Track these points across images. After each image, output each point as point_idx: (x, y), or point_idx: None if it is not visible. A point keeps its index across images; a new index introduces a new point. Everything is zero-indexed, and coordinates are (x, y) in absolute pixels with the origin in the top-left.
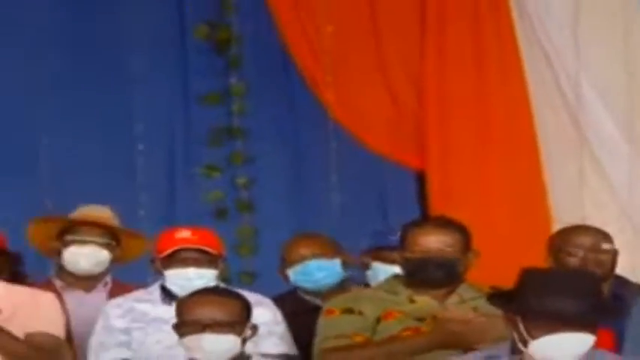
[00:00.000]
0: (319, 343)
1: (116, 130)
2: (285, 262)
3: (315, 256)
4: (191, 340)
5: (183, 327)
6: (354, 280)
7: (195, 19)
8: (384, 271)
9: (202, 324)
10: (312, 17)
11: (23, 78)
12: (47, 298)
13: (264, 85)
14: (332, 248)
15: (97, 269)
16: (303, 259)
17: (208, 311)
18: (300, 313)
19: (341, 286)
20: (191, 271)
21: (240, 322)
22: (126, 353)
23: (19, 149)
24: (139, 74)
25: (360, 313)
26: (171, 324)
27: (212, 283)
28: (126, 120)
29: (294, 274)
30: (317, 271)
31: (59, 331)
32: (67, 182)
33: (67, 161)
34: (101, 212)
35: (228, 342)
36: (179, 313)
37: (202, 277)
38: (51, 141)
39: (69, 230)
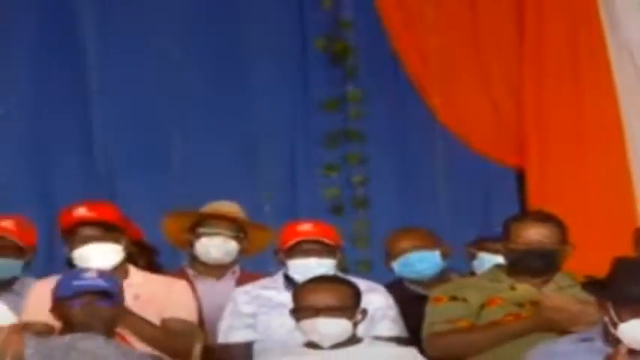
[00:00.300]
0: (427, 327)
1: (243, 133)
2: (389, 255)
3: (415, 248)
4: (306, 323)
5: (300, 312)
6: (452, 269)
7: (315, 33)
8: (488, 260)
9: (316, 309)
10: (421, 30)
11: (162, 82)
12: (181, 285)
13: (378, 92)
14: (431, 240)
15: (227, 259)
16: (404, 251)
17: (322, 297)
18: (405, 301)
19: (441, 276)
20: (312, 261)
21: (351, 307)
22: (252, 335)
23: (155, 149)
24: (264, 82)
25: (465, 300)
26: (288, 306)
27: (331, 272)
28: (251, 123)
29: (397, 265)
30: (418, 262)
31: (192, 316)
32: (198, 180)
33: (199, 160)
34: (230, 207)
35: (341, 325)
36: (296, 299)
37: (322, 266)
38: (184, 141)
39: (200, 223)
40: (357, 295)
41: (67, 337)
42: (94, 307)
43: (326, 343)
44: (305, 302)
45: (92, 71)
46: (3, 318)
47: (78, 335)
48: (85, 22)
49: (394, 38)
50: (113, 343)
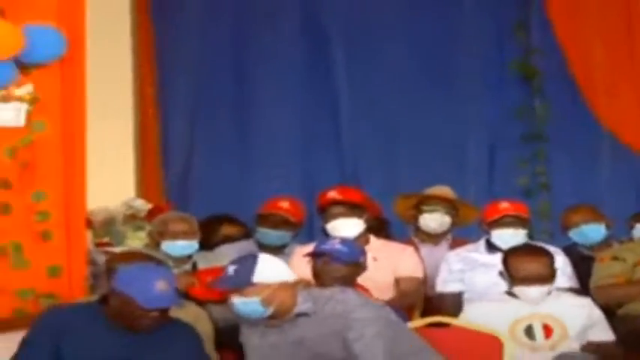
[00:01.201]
0: (594, 282)
1: (454, 133)
2: (565, 226)
3: (585, 221)
4: (521, 289)
5: (515, 279)
6: (614, 237)
7: (510, 57)
8: None
9: (529, 278)
10: (588, 46)
11: (394, 95)
12: (410, 250)
13: (558, 104)
14: (597, 215)
15: (442, 229)
16: (577, 223)
17: (535, 267)
18: (577, 261)
19: (605, 242)
20: (511, 231)
21: (553, 273)
22: (461, 287)
23: (388, 147)
24: (471, 94)
25: (624, 260)
26: (491, 268)
27: (523, 241)
28: (461, 126)
29: (572, 234)
30: (588, 232)
31: (418, 273)
32: (420, 169)
33: (421, 154)
34: (445, 190)
35: (544, 289)
36: (510, 264)
37: (517, 235)
38: (409, 140)
39: (423, 202)
40: (554, 261)
41: (328, 291)
42: (328, 266)
43: (531, 302)
44: (520, 271)
45: (343, 93)
46: (286, 274)
47: (336, 289)
48: (338, 58)
49: (569, 58)
50: (358, 294)
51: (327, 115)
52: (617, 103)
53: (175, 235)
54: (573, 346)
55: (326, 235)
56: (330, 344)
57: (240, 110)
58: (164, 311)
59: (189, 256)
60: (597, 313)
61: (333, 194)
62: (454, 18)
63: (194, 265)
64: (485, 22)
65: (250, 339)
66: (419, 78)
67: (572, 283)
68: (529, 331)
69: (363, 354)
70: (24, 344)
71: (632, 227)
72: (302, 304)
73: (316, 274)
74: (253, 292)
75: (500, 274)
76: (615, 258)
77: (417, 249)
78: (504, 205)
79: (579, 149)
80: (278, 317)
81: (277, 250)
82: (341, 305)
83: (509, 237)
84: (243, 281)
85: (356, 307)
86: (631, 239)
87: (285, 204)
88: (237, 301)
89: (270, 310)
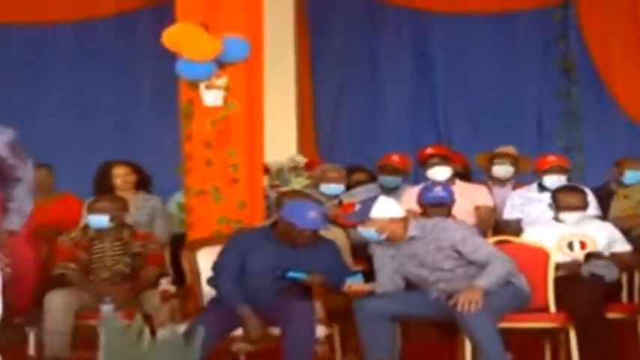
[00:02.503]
0: (611, 213)
1: (513, 108)
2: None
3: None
4: (564, 214)
5: (559, 208)
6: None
7: (555, 56)
8: None
9: (570, 206)
10: (608, 49)
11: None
12: (484, 188)
13: (588, 90)
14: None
15: (507, 176)
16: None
17: (573, 199)
18: (603, 196)
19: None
20: (556, 177)
21: (586, 204)
22: (520, 215)
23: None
24: (528, 83)
25: (631, 198)
26: (542, 202)
27: (564, 183)
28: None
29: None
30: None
31: (491, 204)
32: (494, 133)
33: (493, 122)
34: (510, 149)
35: (579, 214)
36: (557, 198)
37: (560, 180)
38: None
39: (494, 157)
40: (586, 197)
41: (432, 220)
42: (436, 208)
43: (570, 224)
44: (564, 202)
45: (439, 79)
46: (396, 211)
47: (438, 219)
48: (437, 56)
49: (595, 60)
50: (454, 221)
51: (428, 94)
52: (630, 90)
53: (330, 180)
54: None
55: (425, 178)
56: (434, 257)
57: (370, 91)
58: (315, 232)
59: (337, 195)
60: (616, 233)
61: (430, 150)
62: (515, 33)
63: (340, 201)
64: (537, 34)
65: (376, 250)
66: (494, 69)
67: (598, 212)
68: (570, 245)
69: (474, 250)
70: (221, 254)
71: (621, 173)
72: (413, 230)
73: (426, 212)
74: (370, 223)
75: (550, 205)
76: (626, 196)
77: (490, 189)
78: (551, 158)
79: (602, 123)
80: (392, 240)
81: (393, 190)
82: (444, 229)
83: (555, 180)
84: (364, 216)
85: (456, 229)
86: None
87: (395, 158)
88: (360, 229)
89: (383, 236)
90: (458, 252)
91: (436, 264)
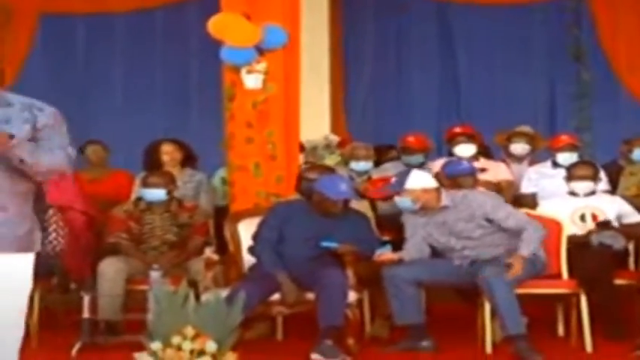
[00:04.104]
0: (619, 189)
1: (530, 91)
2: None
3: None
4: (572, 184)
5: (571, 178)
6: None
7: (568, 43)
8: None
9: (579, 177)
10: (615, 38)
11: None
12: (503, 165)
13: (598, 74)
14: None
15: (524, 153)
16: (630, 150)
17: (584, 170)
18: (613, 172)
19: None
20: (568, 154)
21: (596, 175)
22: (535, 190)
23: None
24: (544, 67)
25: (636, 174)
26: (555, 177)
27: (575, 159)
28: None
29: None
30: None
31: (510, 178)
32: (512, 113)
33: (511, 103)
34: (526, 128)
35: (590, 185)
36: (569, 173)
37: (572, 157)
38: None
39: (512, 136)
40: (597, 170)
41: (462, 192)
42: (464, 180)
43: (582, 195)
44: (576, 172)
45: (462, 66)
46: (429, 183)
47: (466, 191)
48: (459, 42)
49: (604, 47)
50: (480, 192)
51: (451, 77)
52: (637, 75)
53: (359, 158)
54: (615, 224)
55: (451, 155)
56: (464, 226)
57: (397, 75)
58: (346, 202)
59: (366, 171)
60: (626, 206)
61: (457, 129)
62: (532, 22)
63: (369, 177)
64: (551, 22)
65: (408, 219)
66: (511, 55)
67: (607, 187)
68: (582, 217)
69: (506, 217)
70: (262, 224)
71: (630, 151)
72: (444, 200)
73: (455, 183)
74: (406, 193)
75: (565, 178)
76: (632, 173)
77: (508, 165)
78: (564, 137)
79: (611, 106)
80: (426, 209)
81: (418, 167)
82: (473, 200)
83: (567, 157)
84: (400, 187)
85: (485, 199)
86: None
87: (411, 138)
88: (397, 199)
89: (417, 205)
90: (489, 220)
91: (464, 232)
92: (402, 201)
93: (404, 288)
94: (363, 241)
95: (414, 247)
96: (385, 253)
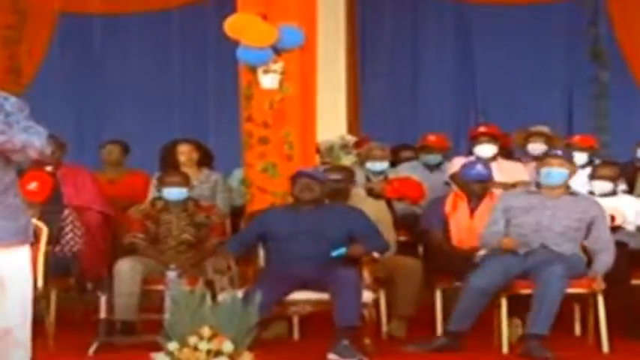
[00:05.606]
0: (636, 189)
1: (548, 91)
2: None
3: None
4: (597, 183)
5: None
6: None
7: (587, 43)
8: None
9: (600, 174)
10: (632, 39)
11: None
12: (520, 166)
13: (616, 73)
14: None
15: (538, 153)
16: None
17: (605, 170)
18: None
19: None
20: (583, 155)
21: (617, 176)
22: None
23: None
24: (563, 68)
25: None
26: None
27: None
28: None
29: None
30: None
31: (527, 178)
32: (530, 114)
33: (529, 104)
34: (543, 128)
35: (565, 175)
36: (592, 171)
37: (581, 159)
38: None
39: (530, 135)
40: (617, 170)
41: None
42: (476, 184)
43: (602, 193)
44: (598, 172)
45: (478, 63)
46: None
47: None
48: (476, 42)
49: (621, 46)
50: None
51: (468, 76)
52: None
53: (375, 158)
54: (629, 228)
55: (471, 154)
56: (569, 222)
57: (414, 75)
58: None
59: (382, 171)
60: None
61: (481, 129)
62: (549, 21)
63: (385, 177)
64: (569, 22)
65: (509, 199)
66: (529, 55)
67: (625, 187)
68: None
69: (601, 234)
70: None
71: None
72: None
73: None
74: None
75: (588, 175)
76: None
77: (525, 165)
78: (577, 138)
79: (628, 106)
80: (552, 190)
81: (436, 167)
82: (582, 202)
83: (583, 157)
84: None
85: (599, 207)
86: None
87: (432, 137)
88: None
89: (569, 180)
90: (589, 225)
91: (559, 228)
92: (558, 171)
93: (479, 300)
94: (368, 237)
95: (500, 228)
96: (507, 239)
